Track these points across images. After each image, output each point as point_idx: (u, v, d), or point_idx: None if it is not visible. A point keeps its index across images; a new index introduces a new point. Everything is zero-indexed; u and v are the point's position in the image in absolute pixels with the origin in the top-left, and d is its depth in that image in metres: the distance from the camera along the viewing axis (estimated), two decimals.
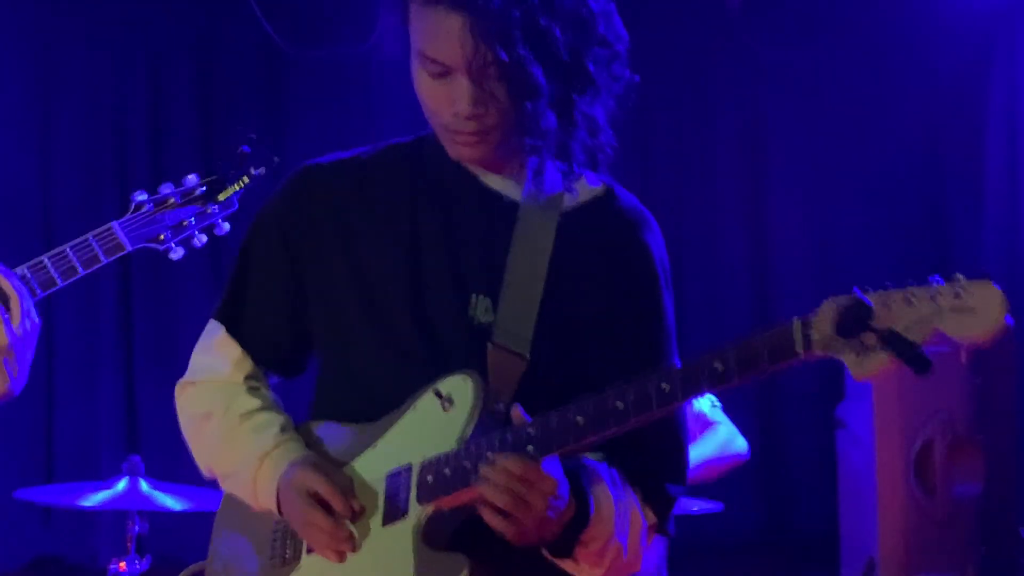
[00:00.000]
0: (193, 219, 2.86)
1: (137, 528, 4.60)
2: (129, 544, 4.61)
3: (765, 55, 6.59)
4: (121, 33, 6.31)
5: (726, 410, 5.12)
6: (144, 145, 6.33)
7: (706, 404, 4.95)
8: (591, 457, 2.19)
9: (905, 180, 6.67)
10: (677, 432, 2.27)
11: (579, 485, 2.10)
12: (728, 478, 5.46)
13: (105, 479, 4.73)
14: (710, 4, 6.42)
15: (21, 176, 6.24)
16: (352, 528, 2.18)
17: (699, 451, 4.83)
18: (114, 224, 2.97)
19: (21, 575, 6.10)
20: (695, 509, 4.79)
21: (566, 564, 2.14)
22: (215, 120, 6.37)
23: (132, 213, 2.99)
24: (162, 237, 2.87)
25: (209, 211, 2.84)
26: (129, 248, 2.95)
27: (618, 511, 2.13)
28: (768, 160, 6.69)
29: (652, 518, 2.22)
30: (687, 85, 6.48)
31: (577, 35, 2.12)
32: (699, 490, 5.01)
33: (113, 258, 2.98)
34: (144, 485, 4.60)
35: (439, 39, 2.11)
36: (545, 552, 2.11)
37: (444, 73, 2.13)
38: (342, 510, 2.17)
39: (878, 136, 6.66)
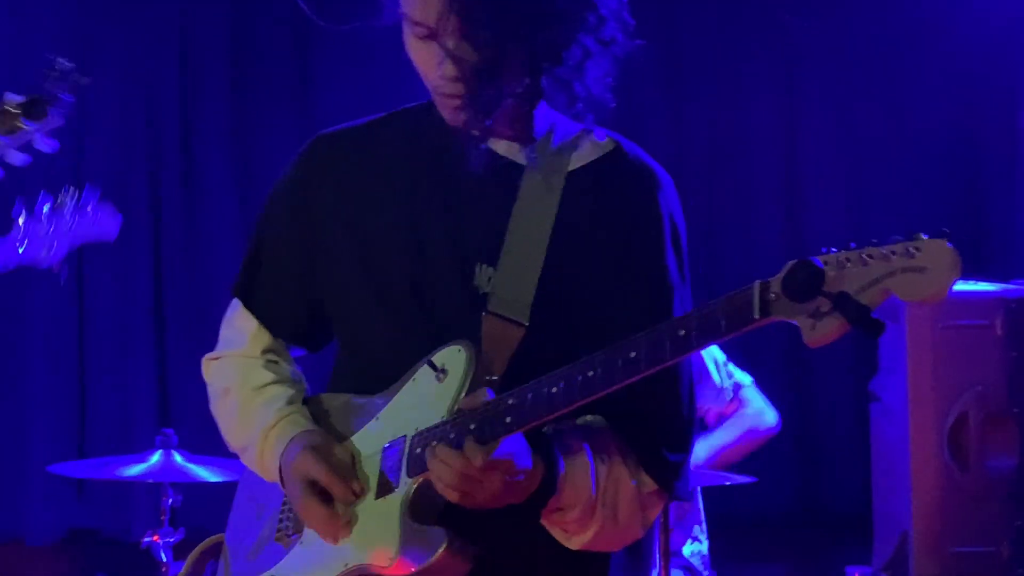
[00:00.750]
0: (4, 135, 2.74)
1: (171, 500, 4.64)
2: (163, 516, 4.64)
3: (799, 28, 6.54)
4: (153, 7, 6.32)
5: (758, 384, 5.12)
6: (175, 118, 6.36)
7: (747, 378, 4.97)
8: (588, 420, 2.18)
9: (939, 149, 6.61)
10: (676, 398, 2.22)
11: (549, 451, 2.08)
12: (761, 451, 5.47)
13: (139, 452, 4.76)
14: None
15: (55, 153, 6.25)
16: (350, 512, 2.18)
17: (724, 435, 4.85)
18: None
19: (56, 549, 6.16)
20: (727, 483, 4.80)
21: (552, 531, 2.15)
22: (246, 92, 6.40)
23: None
24: None
25: (22, 127, 2.73)
26: None
27: (595, 474, 2.12)
28: (803, 138, 6.65)
29: (650, 484, 2.19)
30: (718, 55, 6.45)
31: (575, 16, 2.10)
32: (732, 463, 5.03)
33: None
34: (178, 457, 4.63)
35: (415, 0, 2.12)
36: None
37: (427, 35, 2.12)
38: (342, 496, 2.17)
39: (914, 114, 6.60)
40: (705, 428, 4.92)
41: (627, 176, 2.28)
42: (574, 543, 2.17)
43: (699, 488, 4.92)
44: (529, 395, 2.00)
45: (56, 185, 6.19)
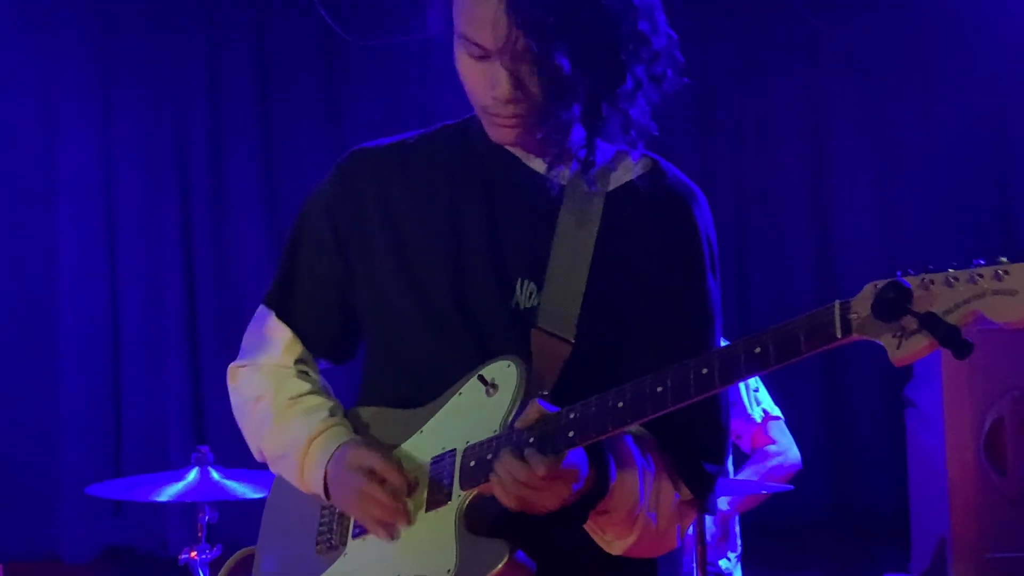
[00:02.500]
0: None
1: (207, 517, 4.66)
2: (200, 533, 4.66)
3: (825, 31, 6.54)
4: (182, 23, 6.36)
5: (792, 395, 5.12)
6: (204, 135, 6.39)
7: (776, 410, 4.97)
8: (632, 430, 2.18)
9: (970, 158, 6.61)
10: (717, 412, 2.26)
11: (603, 458, 2.11)
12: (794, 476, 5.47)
13: (175, 469, 4.78)
14: None
15: (85, 164, 6.31)
16: (408, 502, 2.19)
17: (747, 476, 4.86)
18: None
19: (93, 566, 6.18)
20: (763, 492, 4.80)
21: (593, 533, 2.16)
22: (273, 108, 6.42)
23: None
24: None
25: None
26: None
27: (643, 482, 2.15)
28: (831, 138, 6.66)
29: (688, 494, 2.22)
30: (748, 63, 6.46)
31: (615, 29, 2.11)
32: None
33: None
34: (214, 474, 4.64)
35: (477, 21, 2.11)
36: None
37: (484, 56, 2.12)
38: (399, 484, 2.18)
39: (942, 113, 6.60)
40: (738, 453, 4.94)
41: (665, 195, 2.29)
42: (615, 548, 2.19)
43: (737, 516, 4.94)
44: (593, 409, 2.03)
45: (86, 203, 6.28)
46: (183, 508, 5.55)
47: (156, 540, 6.06)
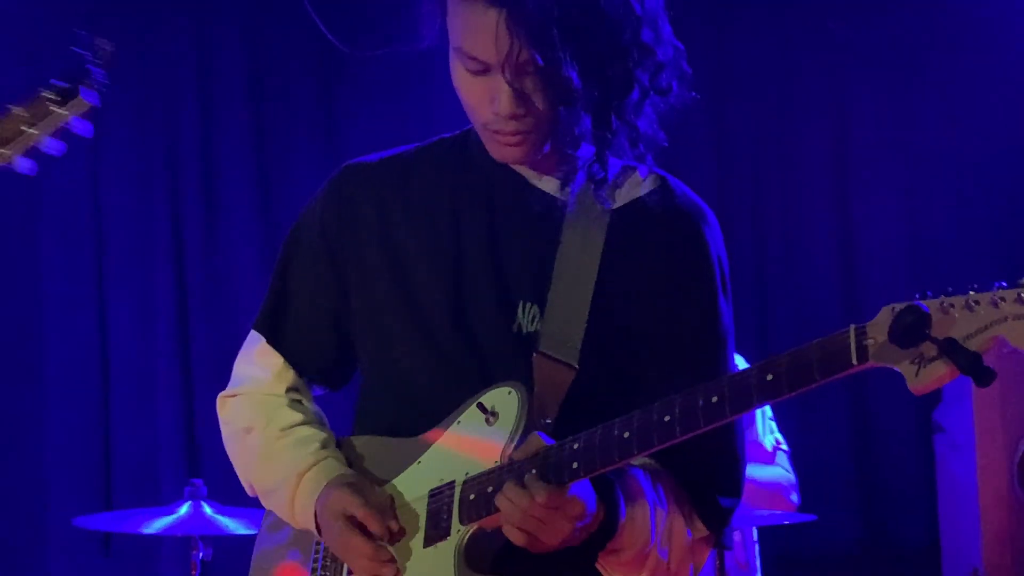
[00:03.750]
0: (37, 125, 2.66)
1: (201, 554, 4.65)
2: (193, 572, 4.66)
3: (852, 43, 6.55)
4: (171, 30, 6.37)
5: (817, 420, 5.11)
6: (196, 145, 6.38)
7: (785, 444, 4.95)
8: (642, 463, 2.19)
9: (996, 174, 6.60)
10: (732, 442, 2.25)
11: (612, 494, 2.10)
12: (823, 488, 5.46)
13: (167, 504, 4.78)
14: None
15: (70, 183, 6.30)
16: (392, 551, 2.18)
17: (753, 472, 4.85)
18: None
19: None
20: (786, 523, 4.78)
21: (603, 571, 2.16)
22: (267, 121, 6.43)
23: None
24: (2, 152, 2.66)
25: (57, 113, 2.65)
26: None
27: (654, 520, 2.14)
28: (854, 152, 6.65)
29: (703, 530, 2.22)
30: (766, 72, 6.46)
31: (618, 37, 2.11)
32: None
33: None
34: (207, 509, 4.64)
35: (476, 34, 2.11)
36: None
37: (483, 70, 2.13)
38: (379, 532, 2.17)
39: (968, 128, 6.59)
40: None
41: (674, 213, 2.29)
42: None
43: (757, 545, 4.92)
44: (598, 439, 2.02)
45: (72, 225, 6.27)
46: (176, 545, 5.53)
47: (150, 573, 6.04)
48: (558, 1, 2.06)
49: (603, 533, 2.10)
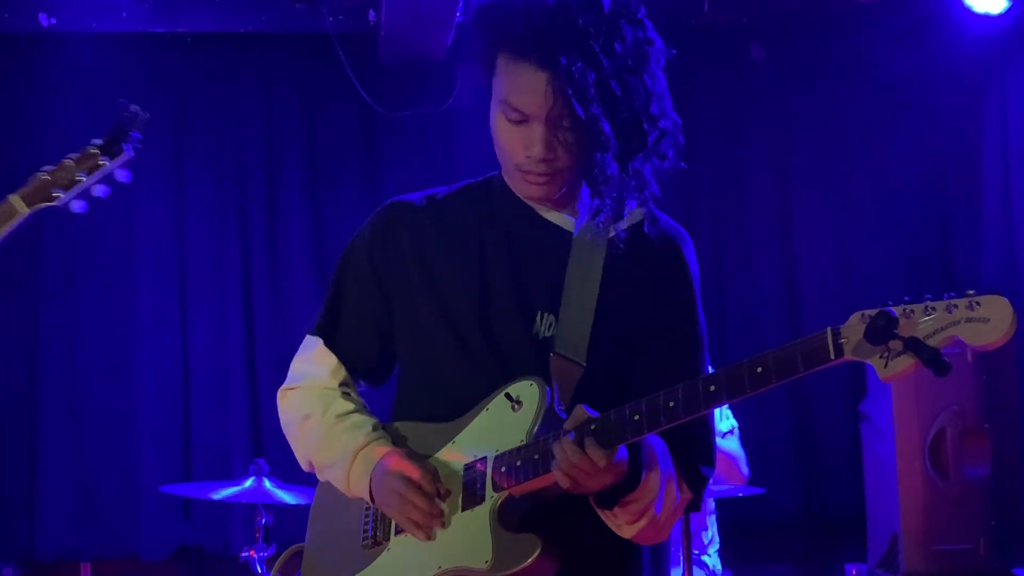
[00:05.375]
0: (86, 173, 2.72)
1: (263, 520, 4.64)
2: (257, 534, 4.64)
3: (789, 99, 6.55)
4: (242, 101, 6.37)
5: (763, 412, 5.08)
6: (261, 197, 6.37)
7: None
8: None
9: (914, 205, 6.60)
10: (708, 423, 2.27)
11: (637, 458, 2.10)
12: (769, 467, 5.43)
13: (235, 479, 4.77)
14: (739, 54, 6.40)
15: (161, 224, 6.32)
16: (443, 505, 2.18)
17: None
18: (10, 196, 2.80)
19: (167, 563, 6.13)
20: (739, 495, 4.76)
21: (604, 515, 2.15)
22: (320, 173, 6.41)
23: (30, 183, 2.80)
24: (56, 195, 2.71)
25: (102, 164, 2.73)
26: (25, 212, 2.77)
27: (663, 486, 2.13)
28: (795, 194, 6.64)
29: (687, 492, 2.22)
30: (724, 128, 6.45)
31: (634, 107, 2.12)
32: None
33: (14, 225, 2.78)
34: (268, 484, 4.63)
35: (523, 91, 2.11)
36: (591, 500, 2.12)
37: (522, 120, 2.13)
38: (433, 491, 2.17)
39: (890, 167, 6.59)
40: None
41: (660, 238, 2.29)
42: (625, 532, 2.17)
43: (715, 516, 4.90)
44: (644, 410, 2.02)
45: (162, 256, 6.27)
46: (243, 513, 5.52)
47: (220, 541, 6.02)
48: (592, 71, 2.06)
49: (623, 489, 2.10)
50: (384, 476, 2.21)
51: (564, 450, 2.03)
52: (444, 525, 2.17)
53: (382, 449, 2.26)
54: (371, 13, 5.90)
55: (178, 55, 6.25)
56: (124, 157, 2.72)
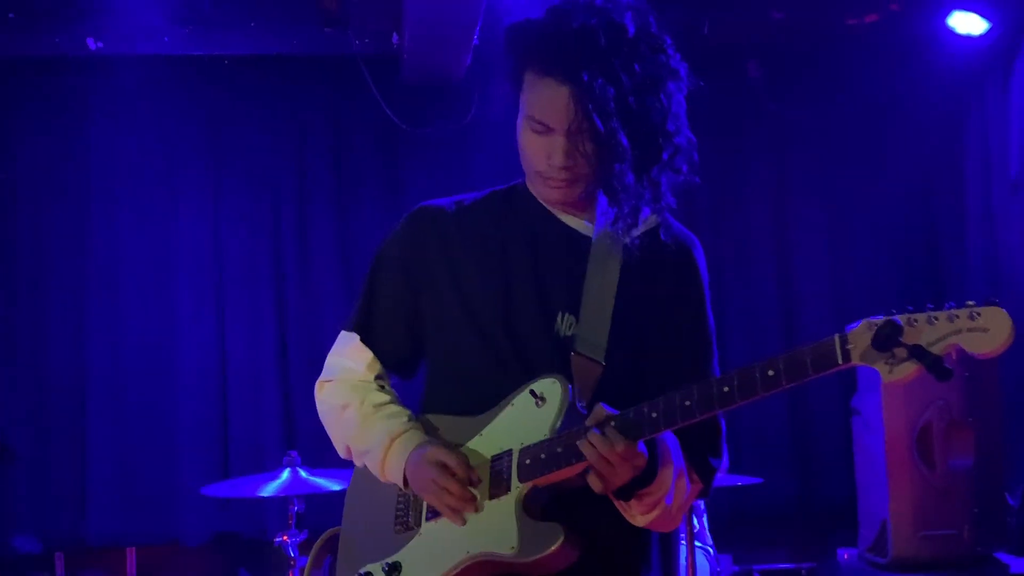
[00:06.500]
0: None
1: (296, 508, 4.63)
2: (290, 521, 4.64)
3: (785, 115, 6.53)
4: (275, 121, 6.38)
5: (760, 408, 5.04)
6: (293, 207, 6.38)
7: None
8: None
9: (902, 214, 6.58)
10: (717, 418, 2.25)
11: (652, 454, 2.10)
12: (764, 458, 5.41)
13: (270, 471, 4.76)
14: (737, 74, 6.39)
15: (199, 232, 6.34)
16: (475, 491, 2.18)
17: None
18: None
19: (206, 548, 6.15)
20: (738, 484, 4.74)
21: (620, 505, 2.14)
22: (347, 182, 6.41)
23: None
24: None
25: None
26: None
27: (674, 479, 2.13)
28: (791, 200, 6.63)
29: (697, 482, 2.21)
30: (722, 144, 6.45)
31: (651, 122, 2.13)
32: (740, 467, 4.97)
33: None
34: (302, 472, 4.63)
35: (546, 104, 2.12)
36: (609, 493, 2.12)
37: (545, 131, 2.13)
38: (466, 477, 2.17)
39: (879, 179, 6.58)
40: None
41: (673, 243, 2.29)
42: (639, 521, 2.16)
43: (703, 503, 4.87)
44: (662, 408, 2.02)
45: (200, 263, 6.29)
46: (277, 501, 5.52)
47: (256, 527, 6.03)
48: (612, 88, 2.07)
49: (639, 483, 2.09)
50: (420, 462, 2.20)
51: (591, 444, 2.02)
52: (476, 510, 2.16)
53: (417, 437, 2.25)
54: (395, 36, 5.91)
55: (215, 76, 6.27)
56: None
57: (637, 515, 2.15)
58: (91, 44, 5.94)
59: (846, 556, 5.66)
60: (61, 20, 5.79)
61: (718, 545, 4.93)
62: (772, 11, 5.97)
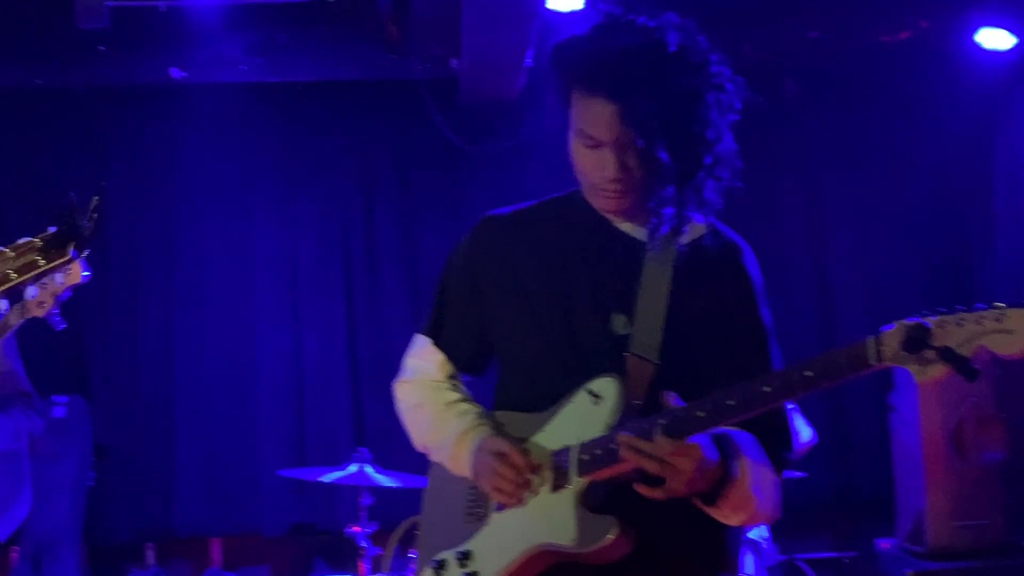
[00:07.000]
0: (17, 273, 2.00)
1: (366, 501, 4.66)
2: (361, 513, 4.66)
3: (819, 129, 6.48)
4: (344, 139, 6.41)
5: (803, 405, 5.00)
6: (360, 220, 6.41)
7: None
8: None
9: (934, 226, 6.49)
10: (783, 412, 2.21)
11: (725, 453, 2.06)
12: (809, 454, 5.35)
13: (340, 465, 4.80)
14: (774, 91, 6.33)
15: (275, 244, 6.39)
16: (532, 478, 2.16)
17: None
18: None
19: (284, 538, 6.19)
20: (783, 478, 4.69)
21: (711, 511, 2.09)
22: (410, 197, 6.43)
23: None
24: None
25: (40, 265, 2.00)
26: None
27: (755, 472, 2.08)
28: (826, 212, 6.56)
29: (775, 476, 2.15)
30: (756, 155, 6.38)
31: (694, 135, 2.10)
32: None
33: None
34: (369, 469, 4.65)
35: (595, 121, 2.09)
36: (696, 500, 2.06)
37: (595, 145, 2.11)
38: (522, 465, 2.16)
39: (911, 191, 6.49)
40: None
41: (723, 247, 2.26)
42: (733, 520, 2.11)
43: None
44: (680, 414, 1.99)
45: (276, 272, 6.34)
46: (349, 495, 5.55)
47: (329, 519, 6.05)
48: (654, 104, 2.05)
49: (722, 482, 2.04)
50: (479, 451, 2.20)
51: (630, 446, 1.99)
52: (531, 497, 2.15)
53: (483, 432, 2.25)
54: (453, 61, 5.93)
55: (289, 101, 6.33)
56: (63, 262, 2.00)
57: (730, 515, 2.10)
58: (175, 73, 6.03)
59: (885, 545, 5.59)
60: (147, 52, 5.88)
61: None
62: (808, 31, 5.92)
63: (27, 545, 5.36)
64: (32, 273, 1.96)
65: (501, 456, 2.16)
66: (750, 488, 2.06)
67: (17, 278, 1.95)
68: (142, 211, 6.30)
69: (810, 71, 6.33)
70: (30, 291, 2.61)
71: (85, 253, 1.97)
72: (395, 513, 4.91)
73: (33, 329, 4.46)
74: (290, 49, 5.93)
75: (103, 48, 5.70)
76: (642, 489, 2.01)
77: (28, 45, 5.72)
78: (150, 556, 6.04)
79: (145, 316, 6.25)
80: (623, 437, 2.01)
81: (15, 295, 2.37)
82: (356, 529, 4.61)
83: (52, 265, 1.96)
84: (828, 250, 6.53)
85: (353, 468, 4.64)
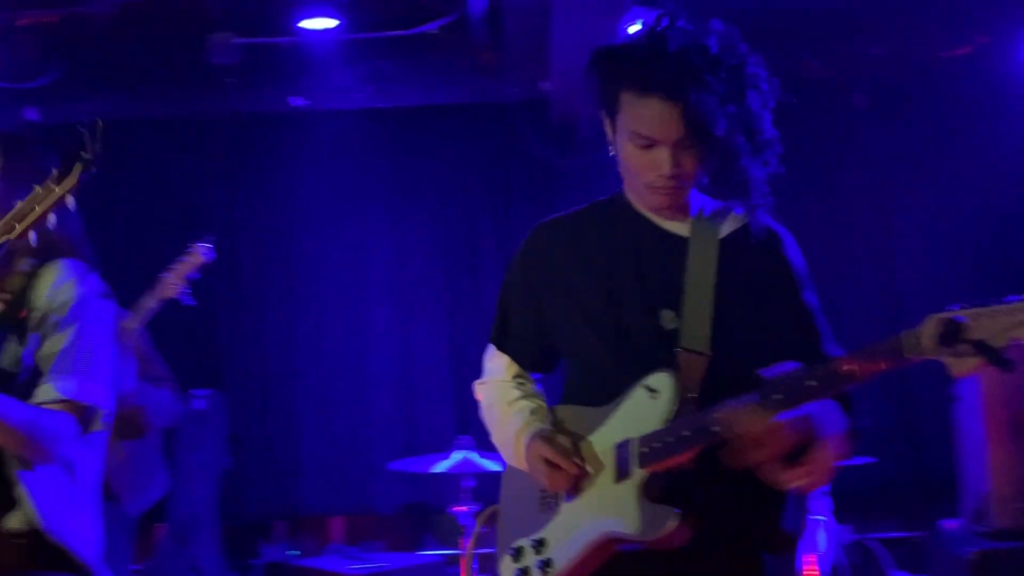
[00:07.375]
0: (39, 205, 2.08)
1: (468, 483, 4.81)
2: (463, 495, 4.83)
3: (885, 139, 6.45)
4: (445, 156, 6.53)
5: (872, 393, 5.04)
6: (462, 232, 6.52)
7: None
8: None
9: (991, 229, 6.44)
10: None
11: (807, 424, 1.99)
12: (880, 440, 5.40)
13: (445, 451, 4.97)
14: (844, 102, 6.37)
15: (387, 251, 6.51)
16: (588, 469, 2.15)
17: None
18: None
19: (399, 516, 6.32)
20: (855, 463, 4.74)
21: (793, 472, 1.98)
22: (508, 210, 6.54)
23: None
24: (15, 227, 2.08)
25: (53, 192, 2.07)
26: None
27: (831, 429, 2.02)
28: (891, 221, 6.53)
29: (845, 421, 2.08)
30: (829, 162, 6.42)
31: (745, 122, 2.09)
32: (858, 447, 4.97)
33: None
34: (472, 455, 4.80)
35: (651, 121, 2.05)
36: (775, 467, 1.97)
37: (649, 145, 2.07)
38: (566, 467, 2.15)
39: (970, 197, 6.44)
40: None
41: (764, 236, 2.21)
42: (815, 473, 2.01)
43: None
44: (783, 386, 1.94)
45: (389, 277, 6.49)
46: (454, 477, 5.73)
47: (438, 499, 6.14)
48: (712, 99, 2.03)
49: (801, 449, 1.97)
50: (531, 444, 2.22)
51: (731, 419, 1.95)
52: (591, 483, 2.13)
53: (534, 427, 2.24)
54: (543, 83, 6.00)
55: (397, 125, 6.46)
56: (73, 180, 2.05)
57: (816, 473, 1.98)
58: (292, 101, 6.19)
59: (950, 526, 5.61)
60: (270, 83, 6.04)
61: (839, 518, 4.94)
62: (872, 47, 5.95)
63: (173, 523, 5.53)
64: (50, 200, 2.03)
65: (547, 463, 2.14)
66: (835, 440, 2.00)
67: (40, 210, 2.03)
68: (267, 227, 6.49)
69: (876, 85, 6.32)
70: (163, 276, 2.71)
71: (92, 172, 2.02)
72: (496, 495, 5.07)
73: (176, 332, 4.73)
74: (397, 77, 6.04)
75: (231, 80, 5.82)
76: (728, 458, 1.93)
77: (164, 80, 5.88)
78: (279, 532, 6.26)
79: (272, 321, 6.44)
80: (725, 412, 1.94)
81: (149, 281, 2.46)
82: (460, 508, 4.75)
83: (65, 189, 2.02)
84: (895, 252, 6.50)
85: (458, 456, 4.78)
